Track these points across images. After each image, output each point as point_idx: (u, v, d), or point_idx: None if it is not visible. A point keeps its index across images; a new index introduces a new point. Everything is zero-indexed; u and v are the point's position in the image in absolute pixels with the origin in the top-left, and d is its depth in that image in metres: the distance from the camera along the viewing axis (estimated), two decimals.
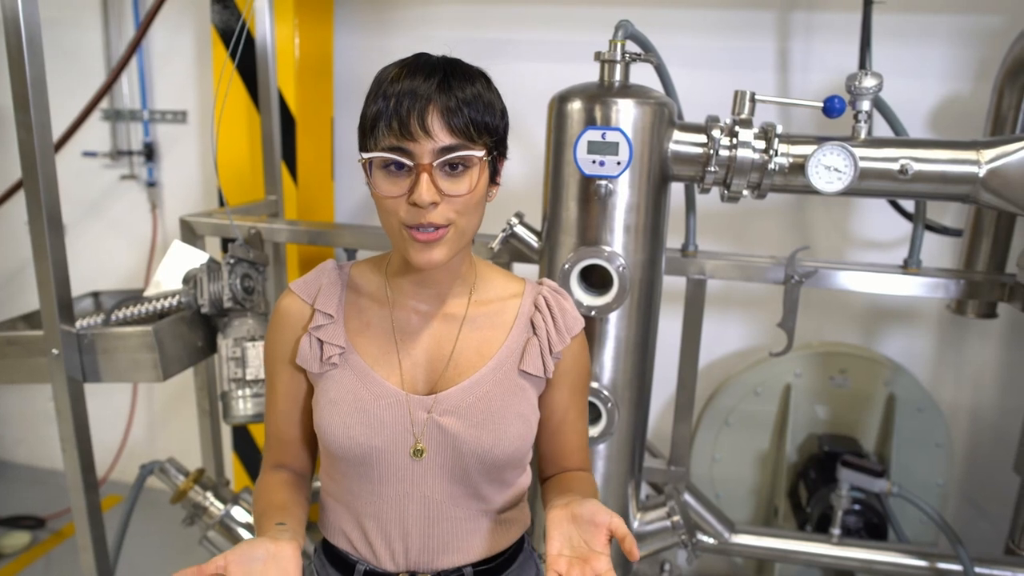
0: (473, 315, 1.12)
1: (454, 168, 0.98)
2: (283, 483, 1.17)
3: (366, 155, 0.99)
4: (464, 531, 1.12)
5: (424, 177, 0.95)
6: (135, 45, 2.37)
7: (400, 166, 0.97)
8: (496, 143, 1.03)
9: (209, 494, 1.98)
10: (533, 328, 1.12)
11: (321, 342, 1.09)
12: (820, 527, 2.15)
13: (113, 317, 1.90)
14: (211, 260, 1.87)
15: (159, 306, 1.90)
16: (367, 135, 1.00)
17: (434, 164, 0.96)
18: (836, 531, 1.95)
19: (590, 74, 1.59)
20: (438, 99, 0.96)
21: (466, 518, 1.12)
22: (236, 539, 1.97)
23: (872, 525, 2.16)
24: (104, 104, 2.87)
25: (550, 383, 1.15)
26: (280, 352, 1.14)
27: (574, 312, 1.15)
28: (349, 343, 1.10)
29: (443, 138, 0.96)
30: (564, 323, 1.13)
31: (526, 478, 1.20)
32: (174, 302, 1.89)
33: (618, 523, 0.96)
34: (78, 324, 1.85)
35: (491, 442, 1.07)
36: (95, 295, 2.16)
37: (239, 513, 1.98)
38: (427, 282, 1.10)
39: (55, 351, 1.66)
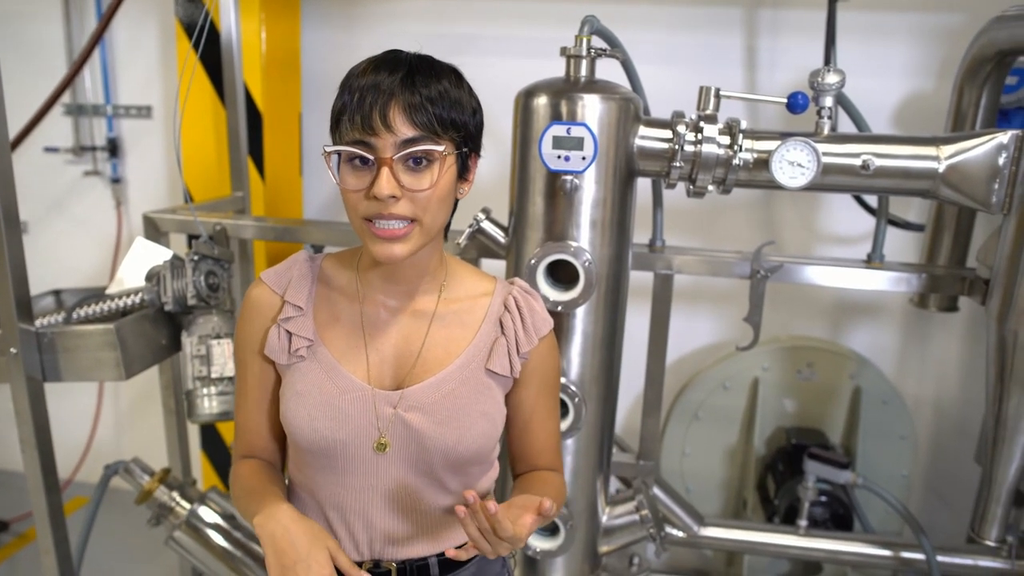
0: (442, 312, 1.12)
1: (417, 163, 0.98)
2: (260, 468, 1.17)
3: (329, 149, 1.00)
4: (429, 523, 1.13)
5: (384, 171, 0.96)
6: (97, 38, 2.33)
7: (364, 161, 0.98)
8: (465, 140, 1.03)
9: (175, 494, 1.96)
10: (501, 328, 1.13)
11: (289, 334, 1.10)
12: (788, 519, 2.18)
13: (74, 315, 1.87)
14: (175, 257, 1.85)
15: (122, 304, 1.87)
16: (333, 128, 1.01)
17: (395, 158, 0.96)
18: (803, 522, 1.97)
19: (559, 70, 1.59)
20: (401, 95, 0.96)
21: (430, 510, 1.13)
22: (203, 539, 1.94)
23: (838, 516, 2.18)
24: (66, 99, 2.82)
25: (517, 382, 1.15)
26: (249, 342, 1.14)
27: (543, 313, 1.16)
28: (317, 336, 1.11)
29: (405, 132, 0.96)
30: (533, 324, 1.14)
31: (492, 473, 1.20)
32: (137, 300, 1.86)
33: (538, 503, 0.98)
34: (38, 323, 1.81)
35: (455, 439, 1.08)
36: (56, 293, 2.12)
37: (206, 513, 1.95)
38: (397, 278, 1.10)
39: (13, 350, 1.63)
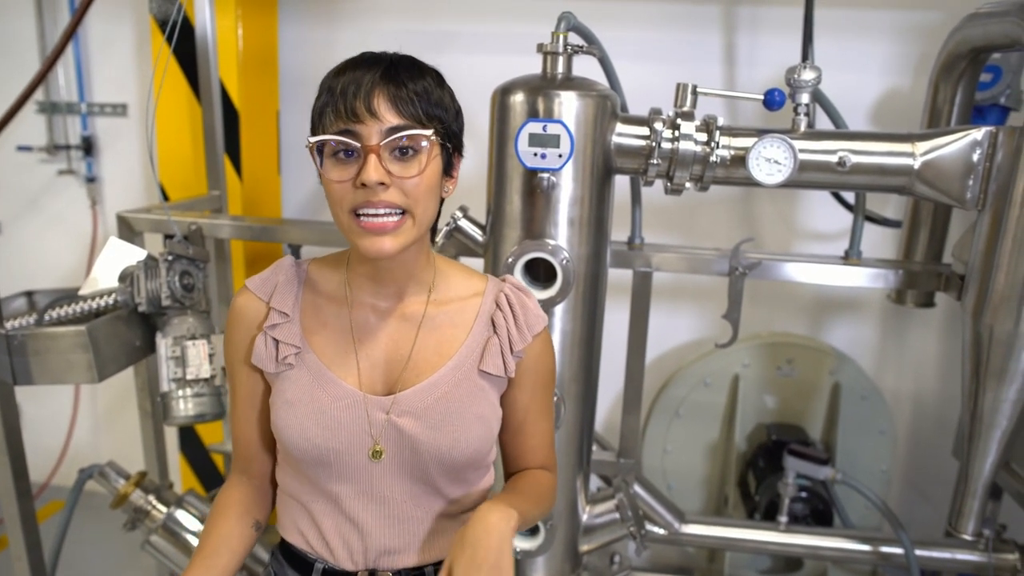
0: (432, 314, 1.09)
1: (403, 152, 0.97)
2: (233, 506, 1.16)
3: (313, 139, 0.98)
4: (425, 531, 1.11)
5: (372, 158, 0.94)
6: (70, 34, 2.28)
7: (348, 153, 0.96)
8: (448, 135, 1.02)
9: (151, 497, 1.93)
10: (494, 327, 1.10)
11: (276, 341, 1.07)
12: (768, 515, 2.18)
13: (47, 317, 1.84)
14: (148, 257, 1.82)
15: (95, 305, 1.84)
16: (315, 126, 1.00)
17: (382, 144, 0.95)
18: (783, 518, 1.98)
19: (536, 67, 1.57)
20: (385, 86, 0.96)
21: (427, 518, 1.11)
22: (180, 542, 1.92)
23: (818, 512, 2.19)
24: (39, 96, 2.77)
25: (512, 382, 1.12)
26: (237, 352, 1.12)
27: (536, 310, 1.13)
28: (305, 342, 1.08)
29: (390, 119, 0.95)
30: (526, 321, 1.11)
31: (489, 477, 1.18)
32: (111, 300, 1.83)
33: None
34: (8, 324, 1.79)
35: (449, 444, 1.05)
36: (29, 294, 2.08)
37: (183, 516, 1.93)
38: (385, 279, 1.07)
39: None
